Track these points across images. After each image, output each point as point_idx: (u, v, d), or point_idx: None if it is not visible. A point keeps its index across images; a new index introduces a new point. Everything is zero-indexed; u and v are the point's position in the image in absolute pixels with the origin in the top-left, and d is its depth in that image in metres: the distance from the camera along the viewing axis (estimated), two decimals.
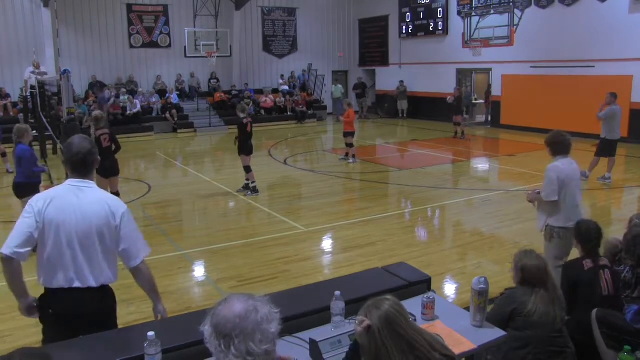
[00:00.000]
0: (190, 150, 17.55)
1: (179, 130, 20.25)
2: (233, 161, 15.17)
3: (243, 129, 10.16)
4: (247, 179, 10.46)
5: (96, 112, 9.15)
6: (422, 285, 3.58)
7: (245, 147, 10.23)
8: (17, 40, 19.52)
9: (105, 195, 3.20)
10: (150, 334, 2.52)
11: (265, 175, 11.90)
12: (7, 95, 19.32)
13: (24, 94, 16.43)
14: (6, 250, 2.92)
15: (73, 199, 3.06)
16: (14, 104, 19.15)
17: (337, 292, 3.00)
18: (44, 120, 14.27)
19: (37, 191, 6.78)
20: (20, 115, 17.95)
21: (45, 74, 16.02)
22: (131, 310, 5.36)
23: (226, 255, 7.10)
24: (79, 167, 3.14)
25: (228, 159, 15.81)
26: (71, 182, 3.14)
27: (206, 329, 1.80)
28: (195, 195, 10.69)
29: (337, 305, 2.99)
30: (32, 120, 15.79)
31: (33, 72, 15.79)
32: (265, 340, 1.76)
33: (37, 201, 3.05)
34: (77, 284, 3.04)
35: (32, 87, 15.44)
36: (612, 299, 3.82)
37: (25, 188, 6.95)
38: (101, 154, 8.17)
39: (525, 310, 3.31)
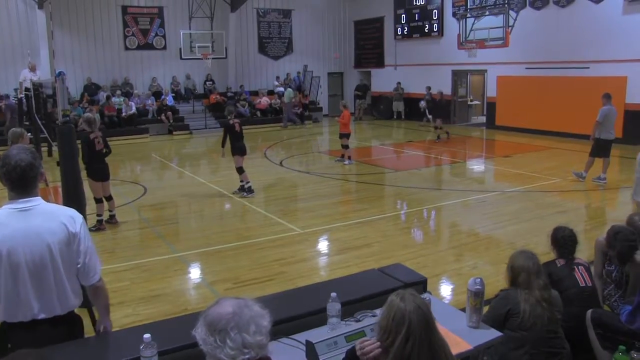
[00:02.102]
0: (185, 152, 17.53)
1: (174, 132, 20.23)
2: (228, 163, 15.12)
3: (231, 130, 10.20)
4: (241, 180, 10.45)
5: (88, 115, 9.14)
6: (418, 286, 3.59)
7: (236, 148, 10.26)
8: (11, 42, 19.43)
9: (58, 210, 2.85)
10: (146, 336, 2.51)
11: (260, 177, 11.89)
12: (4, 97, 19.22)
13: (19, 95, 16.37)
14: None
15: (21, 224, 2.68)
16: (8, 106, 19.06)
17: (333, 294, 3.01)
18: (39, 122, 14.23)
19: None
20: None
21: (39, 77, 15.98)
22: (127, 312, 5.35)
23: (222, 257, 7.09)
24: (18, 183, 2.72)
25: (223, 160, 15.78)
26: (11, 205, 2.73)
27: (199, 330, 1.85)
28: (191, 197, 10.67)
29: (333, 307, 3.00)
30: (27, 123, 15.75)
31: (29, 74, 15.76)
32: (258, 332, 1.84)
33: None
34: (42, 316, 2.76)
35: (27, 89, 15.39)
36: (591, 290, 3.91)
37: None
38: (95, 157, 8.27)
39: (519, 311, 3.33)
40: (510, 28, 17.20)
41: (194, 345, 1.93)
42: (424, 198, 10.12)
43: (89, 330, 3.17)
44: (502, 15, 17.48)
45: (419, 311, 2.22)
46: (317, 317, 3.10)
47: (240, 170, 10.38)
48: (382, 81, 24.90)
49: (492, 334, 3.08)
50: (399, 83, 23.55)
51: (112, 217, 8.62)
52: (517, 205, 9.32)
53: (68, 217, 2.81)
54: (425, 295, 3.16)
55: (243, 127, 10.51)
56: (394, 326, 2.21)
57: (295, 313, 3.14)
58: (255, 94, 23.26)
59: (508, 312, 3.37)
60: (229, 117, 10.37)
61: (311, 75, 24.36)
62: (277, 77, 24.18)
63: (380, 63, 25.19)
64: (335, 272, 6.35)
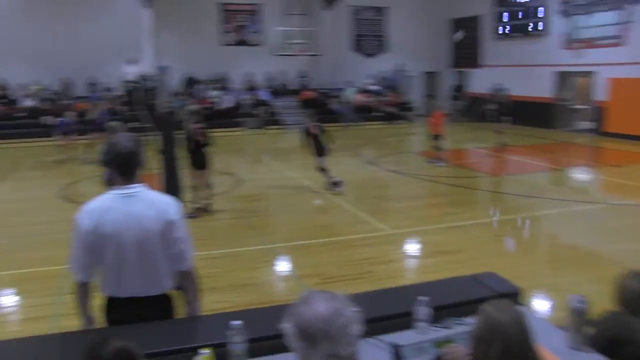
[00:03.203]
0: (278, 147, 17.83)
1: (267, 127, 20.64)
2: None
3: (308, 135, 10.44)
4: (331, 177, 10.46)
5: (191, 107, 9.49)
6: (512, 298, 3.40)
7: (317, 149, 10.43)
8: (119, 37, 20.68)
9: (156, 197, 2.98)
10: (236, 322, 2.54)
11: (351, 175, 11.87)
12: (111, 89, 20.56)
13: (124, 88, 17.36)
14: (77, 276, 2.94)
15: (125, 208, 2.85)
16: (116, 97, 20.38)
17: (423, 298, 2.91)
18: (142, 113, 14.96)
19: None
20: (123, 108, 19.07)
21: (141, 70, 16.83)
22: (217, 298, 5.49)
23: (311, 252, 7.13)
24: (123, 169, 2.89)
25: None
26: (117, 190, 2.90)
27: (288, 327, 1.77)
28: (283, 190, 10.83)
29: (422, 311, 2.90)
30: (131, 113, 16.68)
31: (132, 68, 16.68)
32: (349, 343, 1.74)
33: (88, 216, 2.87)
34: (139, 294, 2.94)
35: (131, 82, 16.26)
36: None
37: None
38: (195, 148, 8.57)
39: (635, 341, 2.95)
40: (626, 25, 15.90)
41: (281, 336, 1.91)
42: (520, 205, 9.70)
43: (180, 313, 3.28)
44: (616, 11, 16.23)
45: (516, 324, 2.09)
46: (404, 320, 3.01)
47: (322, 169, 10.44)
48: (478, 82, 24.11)
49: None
50: (498, 84, 22.72)
51: (208, 205, 8.91)
52: (628, 221, 8.63)
53: (166, 205, 2.93)
54: (521, 308, 2.99)
55: (328, 125, 10.66)
56: (488, 337, 2.10)
57: (382, 314, 3.07)
58: None
59: (620, 340, 3.01)
60: (308, 121, 10.48)
61: (405, 74, 24.05)
62: (371, 75, 24.08)
63: (476, 63, 24.44)
64: (425, 275, 6.22)
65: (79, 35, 20.65)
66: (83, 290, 2.98)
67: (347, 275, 6.28)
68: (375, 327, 2.89)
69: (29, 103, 19.54)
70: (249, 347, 2.59)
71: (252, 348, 2.61)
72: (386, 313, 3.09)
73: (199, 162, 8.65)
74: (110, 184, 7.01)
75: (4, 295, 6.18)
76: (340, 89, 22.95)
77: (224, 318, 2.99)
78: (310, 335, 1.70)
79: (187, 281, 3.08)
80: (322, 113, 21.23)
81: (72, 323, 4.81)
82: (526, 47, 21.50)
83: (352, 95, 21.57)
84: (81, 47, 20.60)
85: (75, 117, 13.24)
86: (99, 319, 3.06)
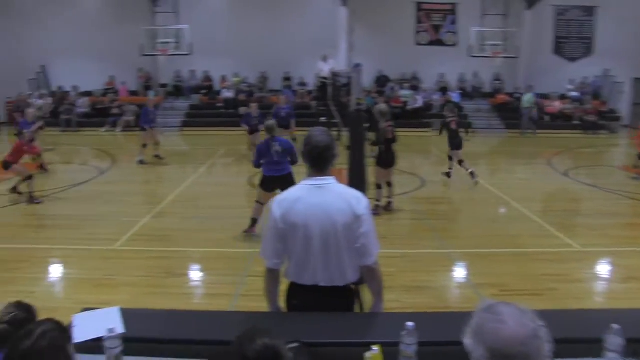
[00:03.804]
0: (466, 151, 17.41)
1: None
2: (509, 165, 14.72)
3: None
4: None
5: (382, 106, 9.70)
6: None
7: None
8: (316, 34, 21.74)
9: (346, 191, 3.07)
10: (410, 324, 2.55)
11: (541, 186, 11.28)
12: (304, 84, 21.83)
13: (318, 84, 18.25)
14: (268, 263, 3.11)
15: (315, 199, 2.98)
16: (309, 92, 21.57)
17: (616, 326, 2.72)
18: (333, 109, 15.60)
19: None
20: (314, 103, 20.16)
21: (335, 67, 17.52)
22: (391, 298, 5.61)
23: (491, 262, 6.93)
24: (316, 162, 3.03)
25: (504, 163, 15.38)
26: (308, 181, 3.05)
27: (475, 345, 1.64)
28: (466, 195, 10.64)
29: (614, 340, 2.70)
30: (322, 108, 17.49)
31: (326, 65, 17.48)
32: None
33: (279, 206, 3.04)
34: (322, 283, 3.04)
35: (325, 78, 17.01)
36: None
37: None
38: (385, 146, 8.78)
39: None
40: None
41: (453, 343, 1.88)
42: None
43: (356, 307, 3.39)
44: None
45: None
46: (588, 347, 2.84)
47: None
48: None
49: None
50: None
51: (389, 204, 9.05)
52: None
53: (355, 199, 3.01)
54: None
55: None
56: None
57: (564, 336, 2.92)
58: (546, 97, 21.94)
59: None
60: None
61: (612, 80, 21.99)
62: (572, 81, 22.38)
63: None
64: (613, 301, 5.73)
65: (277, 31, 22.09)
66: (272, 277, 3.17)
67: (528, 290, 6.01)
68: (558, 348, 2.78)
69: (228, 94, 21.40)
70: (418, 350, 2.59)
71: (421, 352, 2.60)
72: (571, 336, 2.94)
73: (386, 160, 8.79)
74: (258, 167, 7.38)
75: (191, 271, 6.89)
76: (537, 95, 21.72)
77: (396, 318, 3.08)
78: (506, 356, 1.58)
79: (370, 276, 3.14)
80: (515, 119, 20.43)
81: (250, 304, 5.32)
82: None
83: (530, 101, 20.24)
84: (279, 42, 22.05)
85: (256, 110, 14.04)
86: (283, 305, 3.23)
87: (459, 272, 6.77)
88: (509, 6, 21.19)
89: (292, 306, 3.19)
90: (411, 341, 2.56)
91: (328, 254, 3.00)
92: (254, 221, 7.69)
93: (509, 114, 20.79)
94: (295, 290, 3.14)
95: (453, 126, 11.04)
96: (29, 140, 10.21)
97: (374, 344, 2.62)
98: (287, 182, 7.13)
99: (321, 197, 2.99)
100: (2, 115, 21.17)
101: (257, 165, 7.65)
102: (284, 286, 3.21)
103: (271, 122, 7.95)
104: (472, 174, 10.99)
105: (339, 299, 3.11)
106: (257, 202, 7.73)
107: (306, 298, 3.10)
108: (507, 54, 20.68)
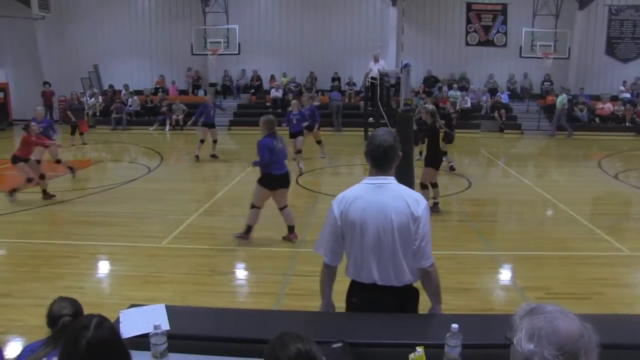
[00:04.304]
0: (514, 152, 17.17)
1: (505, 131, 19.96)
2: (558, 167, 14.39)
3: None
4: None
5: (431, 106, 9.65)
6: None
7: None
8: (366, 35, 21.79)
9: (405, 191, 3.06)
10: (454, 326, 2.55)
11: (591, 188, 10.98)
12: (353, 84, 21.82)
13: (366, 84, 18.21)
14: (325, 259, 3.16)
15: (373, 198, 3.00)
16: (358, 92, 21.54)
17: None
18: (381, 109, 15.55)
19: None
20: (361, 103, 20.13)
21: (384, 67, 17.43)
22: None
23: (537, 264, 6.80)
24: (379, 161, 3.04)
25: (552, 165, 15.04)
26: (368, 180, 3.07)
27: (532, 347, 1.57)
28: (514, 197, 10.47)
29: None
30: (370, 108, 17.45)
31: (375, 65, 17.42)
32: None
33: (338, 203, 3.08)
34: (379, 283, 3.04)
35: (373, 78, 16.96)
36: None
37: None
38: (435, 145, 8.77)
39: None
40: None
41: (496, 346, 1.86)
42: None
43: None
44: None
45: None
46: (635, 353, 2.78)
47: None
48: None
49: None
50: None
51: (435, 204, 8.96)
52: None
53: (413, 200, 3.01)
54: None
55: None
56: None
57: (612, 341, 2.86)
58: (597, 98, 21.30)
59: None
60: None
61: None
62: (624, 82, 21.66)
63: None
64: None
65: (327, 31, 22.32)
66: (328, 273, 3.21)
67: (574, 293, 5.89)
68: (604, 353, 2.72)
69: (276, 94, 21.55)
70: (463, 352, 2.59)
71: (465, 354, 2.59)
72: (616, 341, 2.88)
73: (439, 159, 8.88)
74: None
75: (236, 269, 6.97)
76: (587, 96, 21.11)
77: (440, 319, 3.05)
78: (574, 352, 1.55)
79: (426, 279, 3.13)
80: (567, 120, 19.90)
81: (295, 303, 5.36)
82: None
83: (563, 102, 19.56)
84: (328, 42, 22.28)
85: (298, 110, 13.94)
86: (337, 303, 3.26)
87: (504, 275, 6.67)
88: (561, 6, 20.70)
89: (352, 304, 3.20)
90: (455, 343, 2.56)
91: (383, 253, 3.01)
92: (249, 228, 7.45)
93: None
94: (355, 288, 3.17)
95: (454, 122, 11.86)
96: (36, 133, 10.08)
97: (418, 345, 2.62)
98: (288, 180, 7.35)
99: (380, 196, 3.01)
100: (57, 113, 21.94)
101: (266, 162, 7.05)
102: (341, 286, 3.23)
103: (270, 117, 7.41)
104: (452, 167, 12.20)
105: (397, 299, 3.10)
106: (254, 206, 7.36)
107: (365, 297, 3.11)
108: (557, 55, 20.21)
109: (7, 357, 3.78)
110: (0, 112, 21.87)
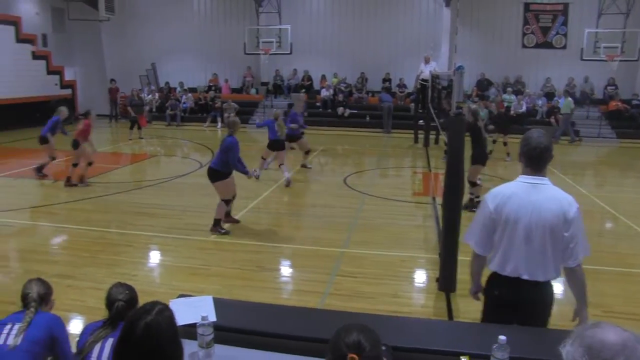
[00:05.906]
0: (571, 160, 16.54)
1: (562, 137, 19.28)
2: (620, 178, 13.79)
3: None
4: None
5: (475, 107, 9.76)
6: None
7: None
8: (419, 36, 21.52)
9: (559, 193, 3.19)
10: (502, 337, 2.50)
11: None
12: (404, 86, 21.57)
13: (417, 86, 17.97)
14: (477, 249, 3.34)
15: (529, 197, 3.14)
16: (408, 94, 21.28)
17: None
18: (432, 111, 15.29)
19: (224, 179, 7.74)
20: (412, 105, 19.89)
21: (437, 69, 17.13)
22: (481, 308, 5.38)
23: (594, 280, 6.39)
24: (535, 162, 3.18)
25: (614, 175, 14.42)
26: (524, 178, 3.21)
27: (570, 350, 1.61)
28: None
29: None
30: (421, 110, 17.21)
31: (427, 66, 17.18)
32: None
33: (493, 198, 3.24)
34: (525, 277, 3.17)
35: (424, 80, 16.71)
36: None
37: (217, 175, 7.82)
38: (480, 144, 8.89)
39: None
40: None
41: None
42: None
43: None
44: None
45: None
46: None
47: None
48: None
49: None
50: None
51: (474, 202, 9.01)
52: None
53: (567, 203, 3.13)
54: None
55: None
56: None
57: None
58: None
59: None
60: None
61: None
62: None
63: None
64: None
65: (378, 31, 22.15)
66: (477, 261, 3.44)
67: (635, 314, 5.56)
68: None
69: (326, 94, 21.60)
70: None
71: None
72: None
73: (484, 156, 9.16)
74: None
75: (282, 266, 6.99)
76: None
77: (488, 329, 3.03)
78: (604, 358, 1.54)
79: (571, 278, 3.28)
80: (632, 127, 19.08)
81: (339, 303, 5.29)
82: None
83: (570, 106, 18.47)
84: (379, 43, 22.12)
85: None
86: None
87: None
88: (632, 4, 19.66)
89: (492, 297, 3.36)
90: (502, 355, 2.51)
91: (532, 250, 3.14)
92: (217, 221, 7.90)
93: (623, 122, 19.49)
94: (497, 280, 3.30)
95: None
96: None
97: (463, 354, 2.62)
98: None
99: (535, 195, 3.14)
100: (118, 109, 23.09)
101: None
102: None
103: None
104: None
105: (539, 294, 3.23)
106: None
107: (507, 290, 3.24)
108: (625, 57, 19.24)
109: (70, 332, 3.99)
110: (69, 108, 22.79)
